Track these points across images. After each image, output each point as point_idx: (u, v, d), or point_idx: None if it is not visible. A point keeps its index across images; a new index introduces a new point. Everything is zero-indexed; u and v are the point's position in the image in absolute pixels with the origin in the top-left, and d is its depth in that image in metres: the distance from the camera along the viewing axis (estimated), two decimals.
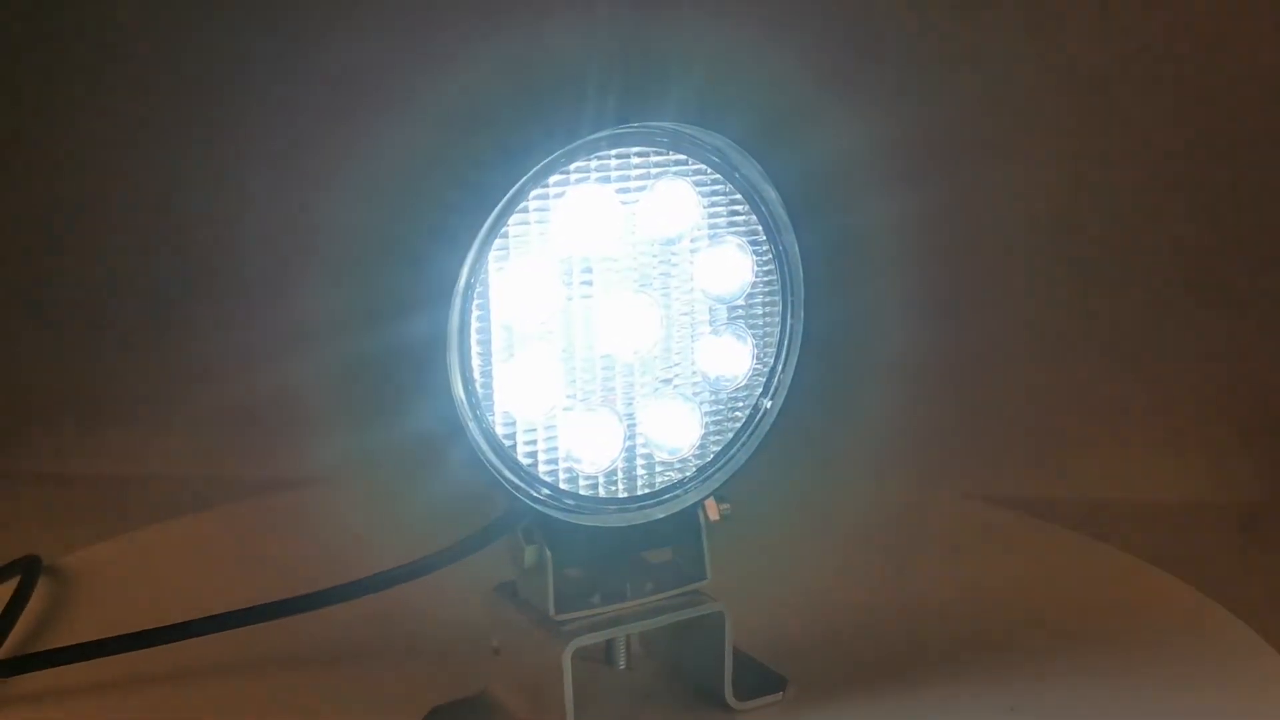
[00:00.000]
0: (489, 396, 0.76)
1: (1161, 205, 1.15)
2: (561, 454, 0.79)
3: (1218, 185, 1.17)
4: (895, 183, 0.91)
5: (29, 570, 0.96)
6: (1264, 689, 0.88)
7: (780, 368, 0.85)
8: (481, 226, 0.74)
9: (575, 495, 0.80)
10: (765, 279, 0.84)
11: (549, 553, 0.80)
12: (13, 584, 0.95)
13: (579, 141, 0.75)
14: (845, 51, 0.87)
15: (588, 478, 0.81)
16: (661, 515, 0.83)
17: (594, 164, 0.77)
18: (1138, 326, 1.18)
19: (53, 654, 0.87)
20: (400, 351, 0.74)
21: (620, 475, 0.82)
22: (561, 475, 0.80)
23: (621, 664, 0.89)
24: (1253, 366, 1.22)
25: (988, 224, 1.06)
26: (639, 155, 0.78)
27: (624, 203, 0.78)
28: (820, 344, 0.85)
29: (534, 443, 0.79)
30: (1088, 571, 1.08)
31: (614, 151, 0.77)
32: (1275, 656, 0.92)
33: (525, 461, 0.78)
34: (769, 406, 0.85)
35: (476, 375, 0.76)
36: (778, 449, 0.86)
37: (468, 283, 0.74)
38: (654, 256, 0.80)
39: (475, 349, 0.75)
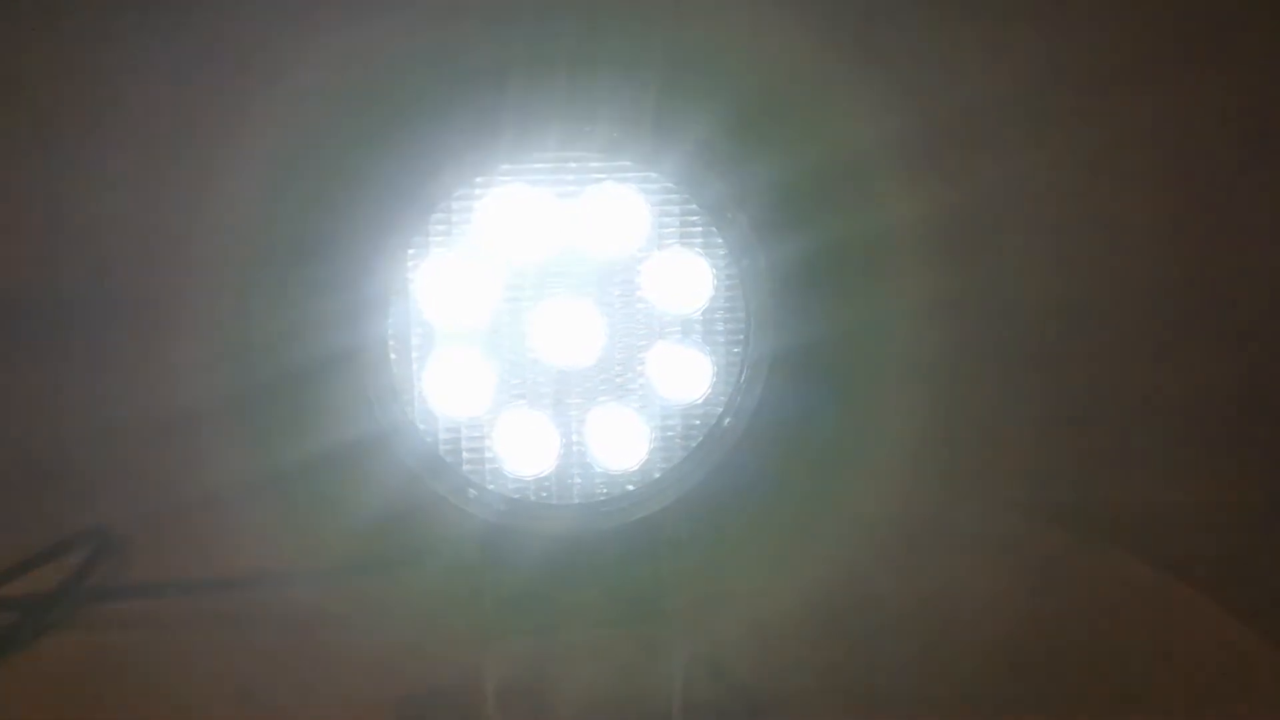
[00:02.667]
0: (409, 397, 0.78)
1: (1174, 199, 1.01)
2: (488, 456, 0.80)
3: (1233, 177, 1.02)
4: (891, 183, 0.85)
5: (100, 538, 1.05)
6: (1265, 691, 0.82)
7: (743, 386, 0.81)
8: (399, 225, 0.75)
9: (505, 499, 0.80)
10: (726, 294, 0.80)
11: (485, 556, 0.81)
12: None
13: (500, 146, 0.75)
14: (832, 44, 0.81)
15: (516, 482, 0.80)
16: (605, 527, 0.81)
17: (525, 167, 0.76)
18: (1144, 327, 1.04)
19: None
20: (318, 353, 0.76)
21: (553, 483, 0.81)
22: (488, 478, 0.80)
23: (586, 671, 0.88)
24: (1262, 365, 1.06)
25: (996, 223, 0.96)
26: (576, 160, 0.77)
27: (560, 208, 0.77)
28: (803, 360, 0.80)
29: (457, 444, 0.79)
30: (1091, 575, 0.99)
31: (549, 155, 0.77)
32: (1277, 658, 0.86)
33: (448, 460, 0.79)
34: (729, 425, 0.81)
35: (396, 375, 0.77)
36: (758, 463, 0.82)
37: (385, 282, 0.76)
38: (594, 264, 0.79)
39: (392, 349, 0.77)
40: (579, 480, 0.81)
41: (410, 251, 0.76)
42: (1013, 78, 0.90)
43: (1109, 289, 1.01)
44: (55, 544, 1.04)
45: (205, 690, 0.81)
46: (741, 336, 0.81)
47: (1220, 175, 1.00)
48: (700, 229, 0.79)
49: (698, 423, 0.81)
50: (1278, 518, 1.02)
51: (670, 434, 0.81)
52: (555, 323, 0.78)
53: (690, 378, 0.81)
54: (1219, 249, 0.99)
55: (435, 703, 0.86)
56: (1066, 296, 1.00)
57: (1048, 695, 0.82)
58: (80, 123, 0.86)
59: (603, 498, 0.81)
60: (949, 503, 1.02)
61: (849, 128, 0.79)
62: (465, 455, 0.79)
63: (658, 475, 0.81)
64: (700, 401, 0.81)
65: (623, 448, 0.81)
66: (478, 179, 0.76)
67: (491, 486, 0.80)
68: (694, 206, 0.78)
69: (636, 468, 0.81)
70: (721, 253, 0.79)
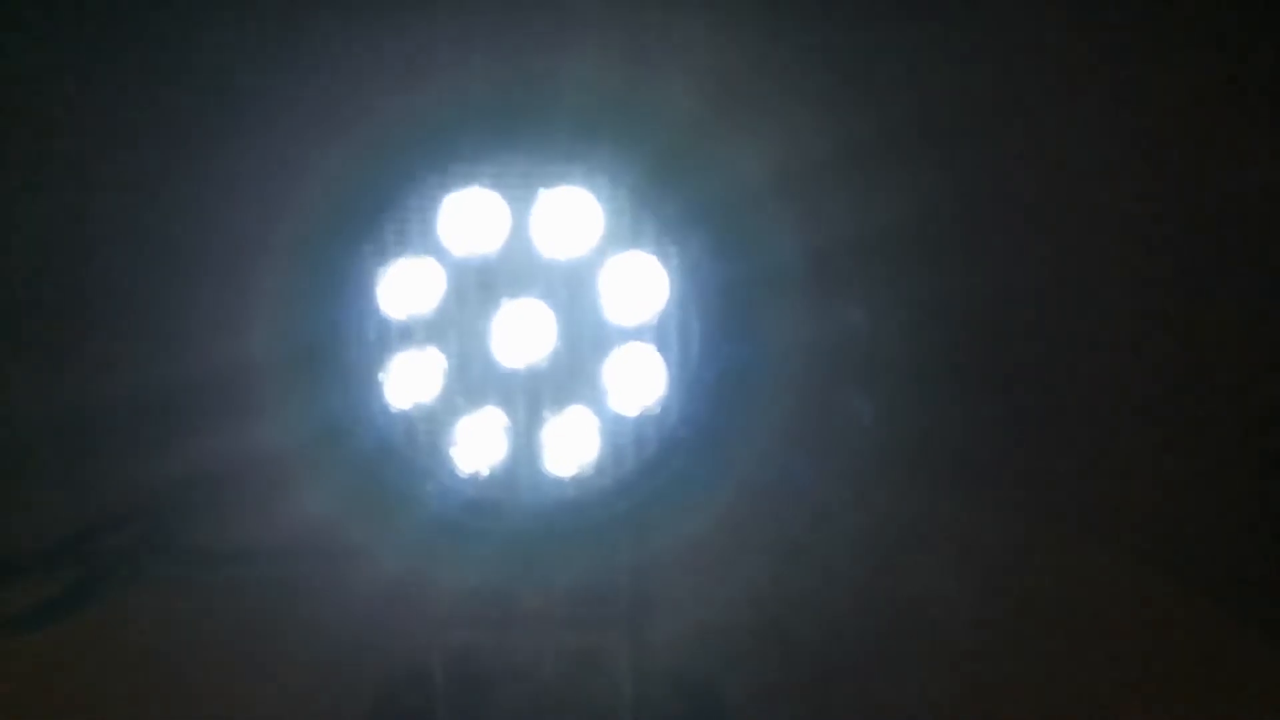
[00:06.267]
0: (365, 392, 0.80)
1: (1167, 198, 0.96)
2: (439, 455, 0.81)
3: (1222, 174, 0.96)
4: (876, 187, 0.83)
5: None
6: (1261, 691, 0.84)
7: (700, 395, 0.80)
8: (360, 224, 0.78)
9: (458, 495, 0.81)
10: (682, 302, 0.80)
11: (436, 550, 0.83)
12: None
13: (456, 148, 0.77)
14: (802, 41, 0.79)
15: (467, 480, 0.81)
16: (554, 530, 0.82)
17: (480, 169, 0.78)
18: (1135, 327, 0.99)
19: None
20: (276, 349, 0.79)
21: (502, 483, 0.81)
22: (441, 474, 0.81)
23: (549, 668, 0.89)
24: (1256, 364, 0.99)
25: (972, 224, 0.92)
26: (531, 164, 0.78)
27: (514, 210, 0.78)
28: (761, 370, 0.80)
29: (412, 439, 0.81)
30: (1094, 577, 0.98)
31: (504, 158, 0.78)
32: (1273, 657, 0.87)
33: (404, 454, 0.81)
34: (683, 434, 0.81)
35: (355, 372, 0.80)
36: (712, 472, 0.81)
37: (344, 279, 0.78)
38: (548, 267, 0.79)
39: (349, 345, 0.79)
40: (528, 482, 0.81)
41: (367, 249, 0.78)
42: (985, 81, 0.87)
43: (1095, 288, 0.97)
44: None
45: (178, 667, 0.85)
46: (698, 346, 0.80)
47: (1210, 172, 0.96)
48: (656, 236, 0.79)
49: (651, 431, 0.81)
50: (1273, 519, 0.97)
51: (622, 441, 0.81)
52: (508, 324, 0.79)
53: (645, 385, 0.81)
54: (1211, 248, 0.95)
55: (401, 689, 0.88)
56: (1047, 299, 0.97)
57: (1033, 697, 0.80)
58: (69, 125, 0.91)
59: (552, 501, 0.82)
60: (919, 509, 1.00)
61: (811, 134, 0.78)
62: (420, 450, 0.81)
63: (609, 482, 0.81)
64: (655, 409, 0.81)
65: (573, 453, 0.81)
66: (433, 180, 0.78)
67: (444, 482, 0.81)
68: (649, 213, 0.78)
69: (587, 473, 0.81)
70: (677, 260, 0.79)
